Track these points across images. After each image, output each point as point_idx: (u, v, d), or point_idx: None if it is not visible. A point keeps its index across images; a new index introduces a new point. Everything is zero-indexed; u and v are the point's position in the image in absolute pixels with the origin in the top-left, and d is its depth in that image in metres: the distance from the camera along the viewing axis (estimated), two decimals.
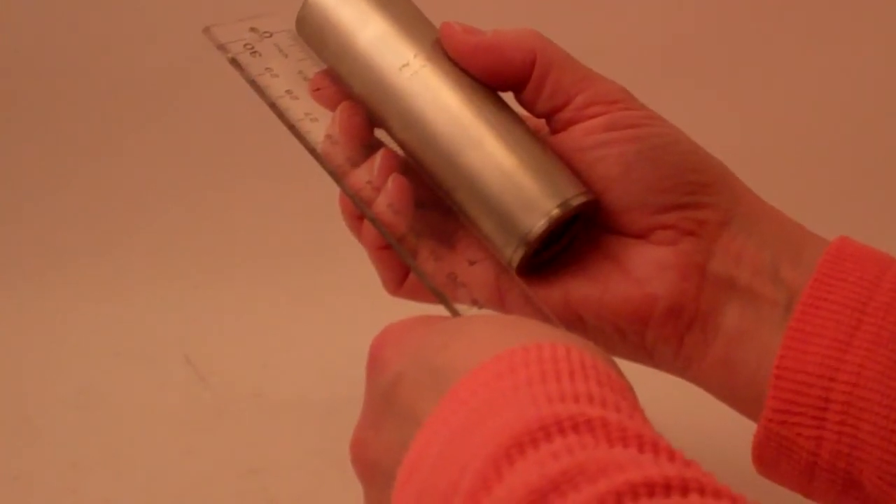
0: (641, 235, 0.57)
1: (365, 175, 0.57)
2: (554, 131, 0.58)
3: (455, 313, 0.54)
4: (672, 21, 0.97)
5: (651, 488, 0.34)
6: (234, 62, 0.60)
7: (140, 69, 0.96)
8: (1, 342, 0.85)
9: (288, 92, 0.59)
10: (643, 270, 0.56)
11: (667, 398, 0.52)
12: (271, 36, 0.61)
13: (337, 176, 0.58)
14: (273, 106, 0.59)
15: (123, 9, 0.96)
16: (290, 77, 0.60)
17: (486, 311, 0.55)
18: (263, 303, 0.88)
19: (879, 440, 0.51)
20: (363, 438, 0.46)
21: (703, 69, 0.97)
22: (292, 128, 0.58)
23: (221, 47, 0.60)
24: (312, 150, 0.58)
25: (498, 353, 0.41)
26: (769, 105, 0.97)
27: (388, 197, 0.56)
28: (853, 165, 0.96)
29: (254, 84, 0.59)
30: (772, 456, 0.54)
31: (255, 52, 0.60)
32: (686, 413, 0.52)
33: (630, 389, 0.42)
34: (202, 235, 0.92)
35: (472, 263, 0.56)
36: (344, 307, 0.86)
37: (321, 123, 0.59)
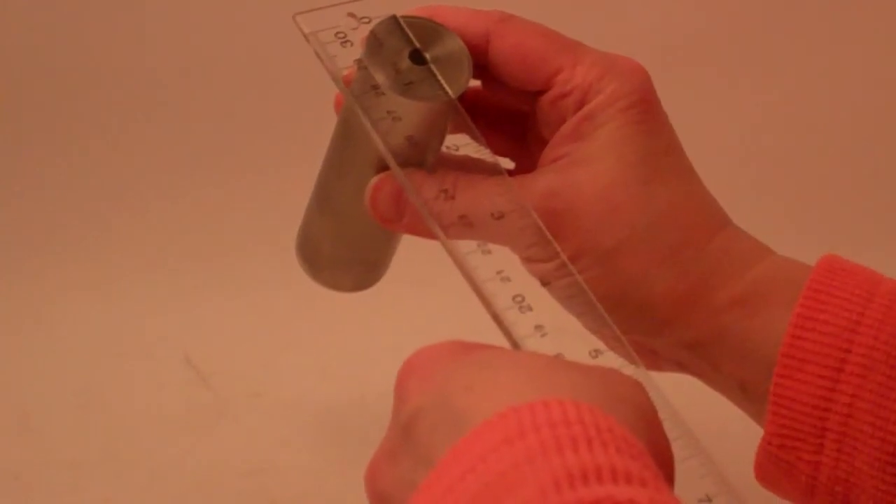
0: None
1: None
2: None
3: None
4: (671, 22, 0.97)
5: None
6: (317, 55, 0.55)
7: (138, 66, 0.96)
8: (0, 342, 0.85)
9: (373, 87, 0.54)
10: None
11: (673, 398, 0.51)
12: (370, 22, 0.56)
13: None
14: (357, 102, 0.54)
15: (120, 8, 0.96)
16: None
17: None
18: (264, 303, 0.88)
19: (874, 470, 0.52)
20: (379, 466, 0.44)
21: (702, 70, 0.97)
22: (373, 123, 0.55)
23: (308, 37, 0.55)
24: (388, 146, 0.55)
25: (501, 410, 0.39)
26: (769, 105, 0.97)
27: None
28: (853, 167, 0.96)
29: (336, 80, 0.55)
30: (772, 475, 0.55)
31: (346, 41, 0.55)
32: (694, 414, 0.52)
33: (643, 449, 0.39)
34: (203, 235, 0.92)
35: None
36: (344, 307, 0.86)
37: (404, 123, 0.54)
